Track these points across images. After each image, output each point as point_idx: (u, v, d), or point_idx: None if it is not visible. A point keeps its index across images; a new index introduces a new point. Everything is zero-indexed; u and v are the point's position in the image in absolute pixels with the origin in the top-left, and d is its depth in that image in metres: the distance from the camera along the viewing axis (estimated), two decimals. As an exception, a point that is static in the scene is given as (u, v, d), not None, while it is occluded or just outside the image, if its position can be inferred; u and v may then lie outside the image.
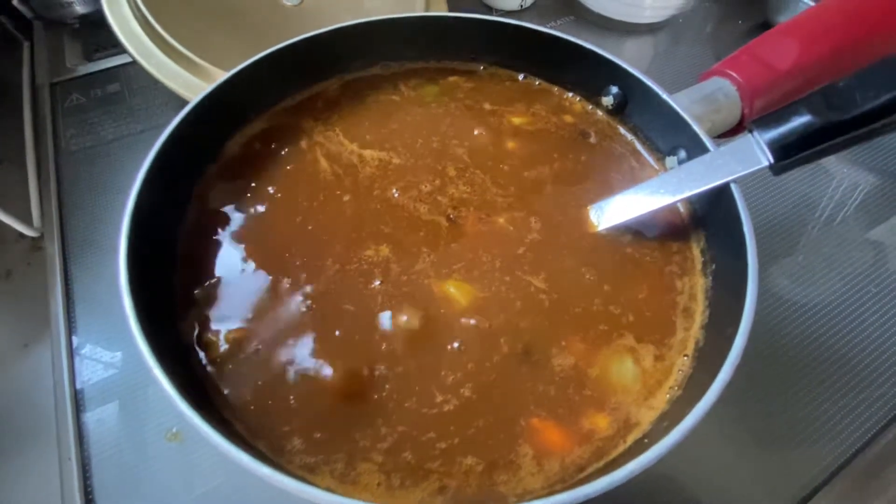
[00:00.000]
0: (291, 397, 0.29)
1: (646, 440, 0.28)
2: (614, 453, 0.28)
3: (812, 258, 0.53)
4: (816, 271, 0.52)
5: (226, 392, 0.29)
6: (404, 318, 0.32)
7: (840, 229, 0.56)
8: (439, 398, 0.30)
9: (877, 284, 0.51)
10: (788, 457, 0.42)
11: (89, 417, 0.42)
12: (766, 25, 0.75)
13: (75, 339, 0.46)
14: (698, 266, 0.35)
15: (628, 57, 0.74)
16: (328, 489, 0.26)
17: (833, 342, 0.48)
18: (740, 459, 0.42)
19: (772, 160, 0.30)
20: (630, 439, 0.29)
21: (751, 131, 0.31)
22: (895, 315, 0.49)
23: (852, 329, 0.48)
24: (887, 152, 0.62)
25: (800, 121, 0.28)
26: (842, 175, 0.60)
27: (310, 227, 0.36)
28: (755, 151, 0.31)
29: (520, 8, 0.76)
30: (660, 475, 0.41)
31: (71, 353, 0.45)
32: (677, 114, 0.36)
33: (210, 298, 0.33)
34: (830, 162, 0.61)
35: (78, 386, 0.43)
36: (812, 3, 0.66)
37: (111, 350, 0.45)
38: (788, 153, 0.29)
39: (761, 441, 0.43)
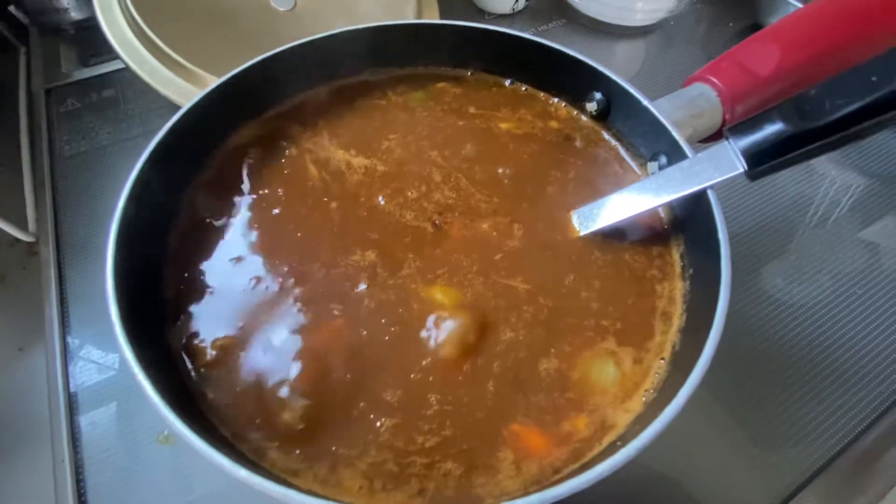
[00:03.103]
0: (275, 404, 0.30)
1: (618, 443, 0.28)
2: (590, 455, 0.29)
3: (805, 258, 0.54)
4: (809, 271, 0.53)
5: (211, 397, 0.30)
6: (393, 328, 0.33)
7: (833, 229, 0.56)
8: (426, 412, 0.30)
9: (867, 285, 0.52)
10: (777, 453, 0.43)
11: (83, 420, 0.43)
12: (756, 28, 0.75)
13: (70, 343, 0.46)
14: (677, 270, 0.36)
15: (620, 60, 0.74)
16: (310, 491, 0.27)
17: (823, 339, 0.48)
18: (730, 456, 0.43)
19: (746, 167, 0.30)
20: (605, 441, 0.29)
21: (727, 138, 0.32)
22: (887, 314, 0.50)
23: (843, 326, 0.49)
24: (879, 154, 0.62)
25: (772, 129, 0.29)
26: (834, 175, 0.60)
27: (298, 234, 0.37)
28: (731, 158, 0.31)
29: (512, 12, 0.76)
30: (651, 471, 0.41)
31: (65, 357, 0.45)
32: (658, 120, 0.37)
33: (198, 305, 0.34)
34: (823, 163, 0.61)
35: (72, 389, 0.44)
36: (800, 5, 0.66)
37: (105, 353, 0.46)
38: (762, 160, 0.30)
39: (751, 438, 0.43)
